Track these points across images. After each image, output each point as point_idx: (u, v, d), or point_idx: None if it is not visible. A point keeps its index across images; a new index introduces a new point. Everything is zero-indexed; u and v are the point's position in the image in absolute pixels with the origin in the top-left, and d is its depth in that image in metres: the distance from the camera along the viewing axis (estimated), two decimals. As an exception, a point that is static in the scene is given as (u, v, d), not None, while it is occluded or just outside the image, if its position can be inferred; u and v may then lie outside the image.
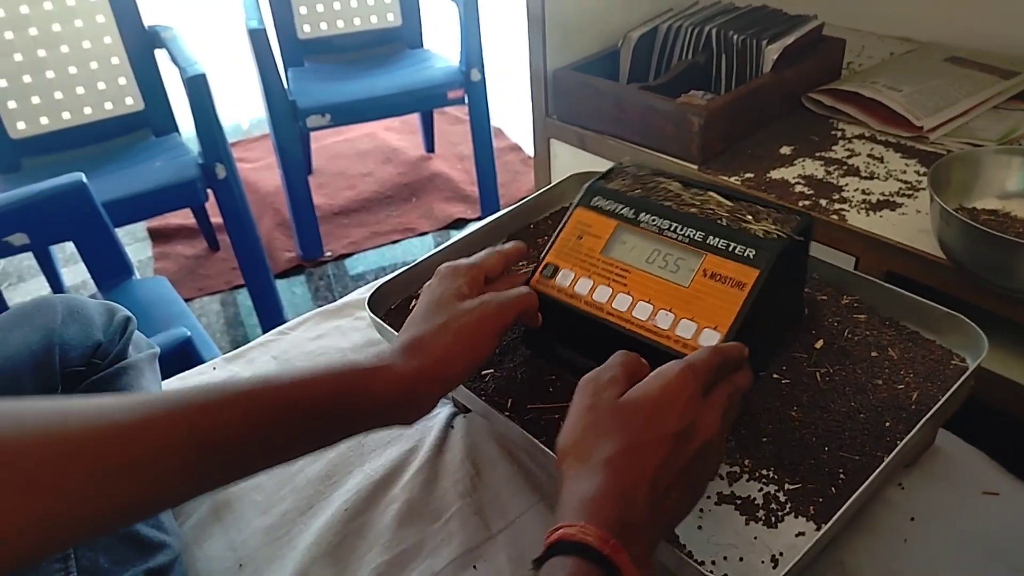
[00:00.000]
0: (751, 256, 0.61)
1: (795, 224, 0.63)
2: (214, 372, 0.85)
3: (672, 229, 0.64)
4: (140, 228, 2.37)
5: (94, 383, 0.63)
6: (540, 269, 0.66)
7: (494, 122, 2.29)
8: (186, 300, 2.02)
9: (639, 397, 0.47)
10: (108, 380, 0.64)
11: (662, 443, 0.45)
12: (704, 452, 0.47)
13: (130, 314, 0.68)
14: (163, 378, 0.83)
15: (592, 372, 0.51)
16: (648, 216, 0.65)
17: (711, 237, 0.63)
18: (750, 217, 0.65)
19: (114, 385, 0.64)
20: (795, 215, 0.64)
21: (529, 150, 1.66)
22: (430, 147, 2.68)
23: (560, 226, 0.68)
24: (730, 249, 0.61)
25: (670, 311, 0.61)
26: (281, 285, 2.09)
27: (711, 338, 0.58)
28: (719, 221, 0.64)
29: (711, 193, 0.68)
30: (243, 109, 2.99)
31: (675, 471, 0.45)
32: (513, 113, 2.77)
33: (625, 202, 0.67)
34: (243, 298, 2.06)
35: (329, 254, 2.22)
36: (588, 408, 0.48)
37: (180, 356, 0.86)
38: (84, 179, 1.27)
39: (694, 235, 0.63)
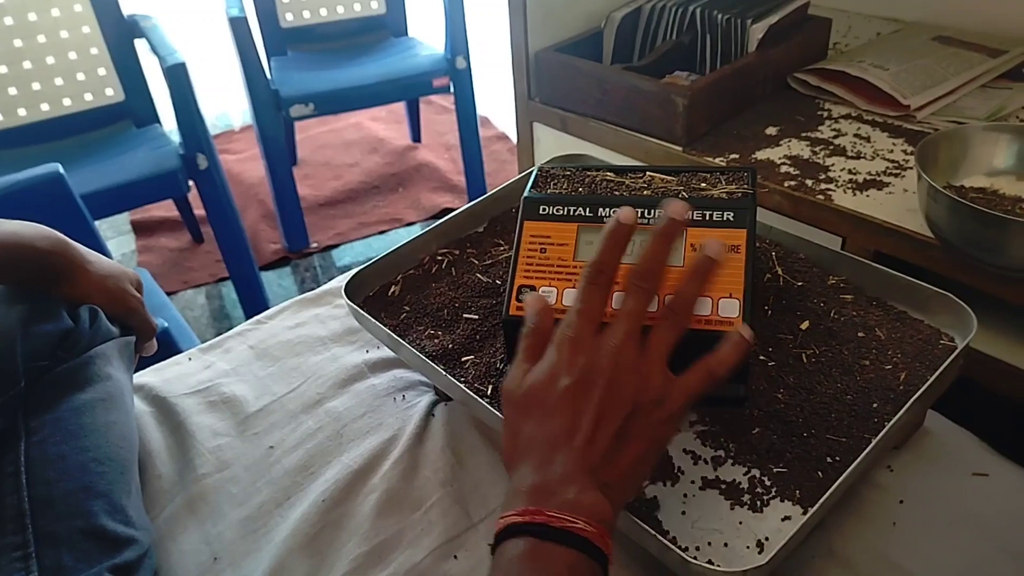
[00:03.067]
0: (731, 218, 0.60)
1: (746, 178, 0.65)
2: (189, 362, 0.83)
3: (640, 215, 0.63)
4: (123, 221, 2.35)
5: (59, 374, 0.61)
6: (514, 295, 0.62)
7: (480, 111, 2.27)
8: (170, 293, 2.00)
9: (531, 375, 0.49)
10: (76, 369, 0.62)
11: (561, 402, 0.46)
12: (623, 375, 0.47)
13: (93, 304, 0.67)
14: (139, 368, 0.81)
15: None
16: (608, 209, 0.64)
17: None
18: (704, 184, 0.65)
19: (82, 374, 0.62)
20: (741, 170, 0.66)
21: (515, 139, 1.64)
22: (416, 137, 2.66)
23: (515, 246, 0.64)
24: (708, 217, 0.61)
25: None
26: (267, 277, 2.07)
27: (731, 307, 0.57)
28: (680, 195, 0.64)
29: (649, 173, 0.68)
30: (233, 101, 2.96)
31: (593, 413, 0.45)
32: (499, 102, 2.75)
33: (576, 203, 0.65)
34: (228, 290, 2.04)
35: (315, 245, 2.19)
36: (506, 416, 0.50)
37: (158, 348, 0.84)
38: (61, 170, 1.25)
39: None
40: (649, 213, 0.63)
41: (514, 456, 0.47)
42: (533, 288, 0.62)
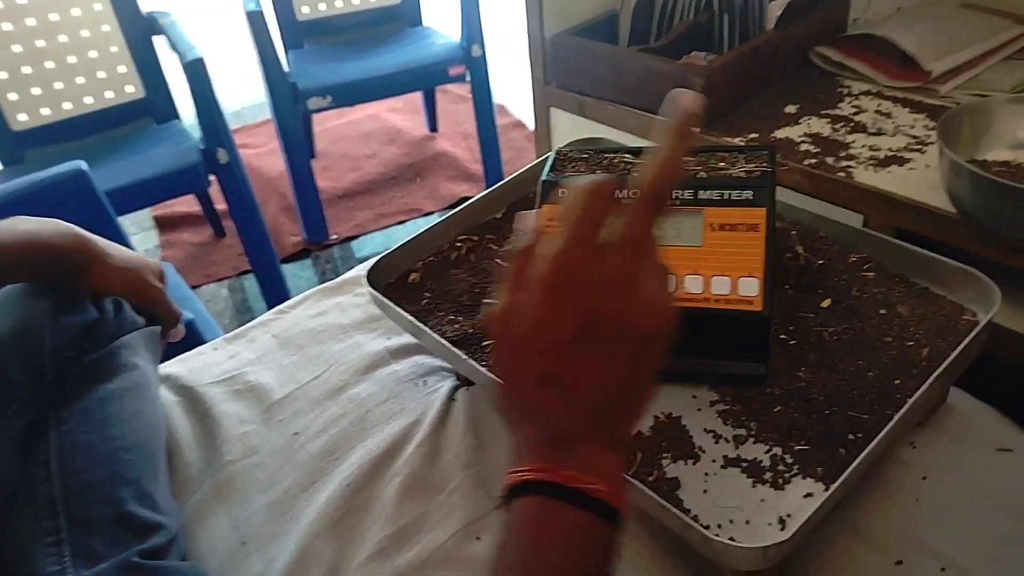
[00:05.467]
0: (750, 197, 0.60)
1: (766, 157, 0.65)
2: (215, 352, 0.85)
3: None
4: (146, 217, 2.37)
5: (86, 365, 0.62)
6: None
7: (497, 100, 2.26)
8: (194, 287, 2.02)
9: (528, 306, 0.40)
10: (102, 359, 0.63)
11: (562, 349, 0.39)
12: (634, 306, 0.39)
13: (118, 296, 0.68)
14: (167, 358, 0.83)
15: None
16: (626, 191, 0.63)
17: (701, 192, 0.62)
18: (723, 164, 0.65)
19: (109, 364, 0.63)
20: (760, 149, 0.66)
21: (533, 127, 1.63)
22: (433, 127, 2.66)
23: None
24: (727, 197, 0.61)
25: (696, 274, 0.59)
26: (288, 269, 2.08)
27: (750, 286, 0.57)
28: (699, 175, 0.64)
29: None
30: (251, 95, 2.98)
31: (598, 358, 0.39)
32: (516, 90, 2.73)
33: None
34: (250, 283, 2.06)
35: (335, 237, 2.21)
36: (500, 352, 0.42)
37: (184, 339, 0.85)
38: (84, 167, 1.26)
39: (683, 195, 0.62)
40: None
41: (507, 405, 0.42)
42: None
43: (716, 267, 0.59)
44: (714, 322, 0.58)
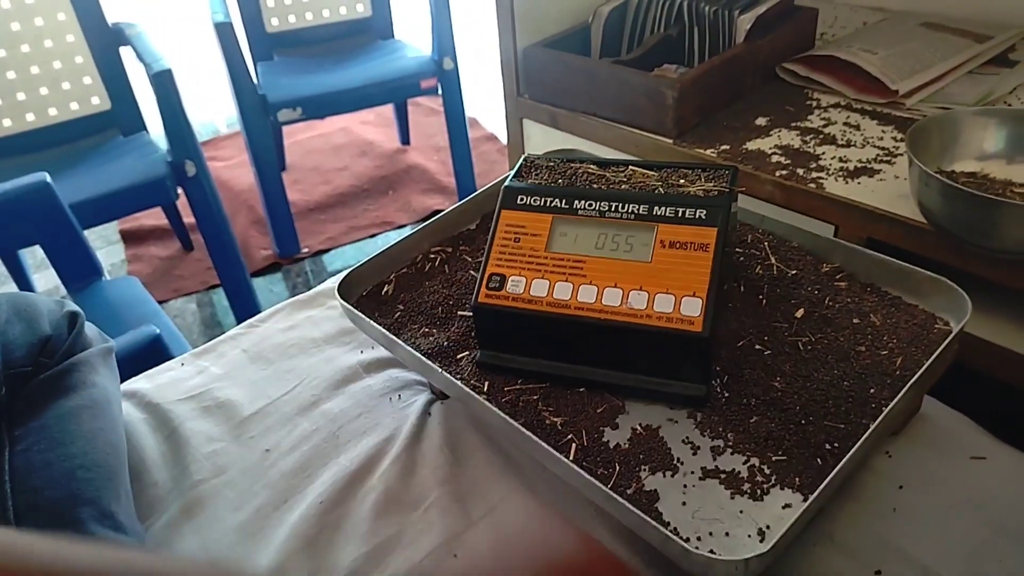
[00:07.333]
0: (703, 216, 0.60)
1: (726, 177, 0.65)
2: (182, 368, 0.83)
3: (613, 209, 0.63)
4: (112, 231, 2.33)
5: (41, 381, 0.60)
6: (484, 283, 0.63)
7: (469, 113, 2.26)
8: (161, 302, 1.99)
9: None
10: (57, 377, 0.61)
11: None
12: None
13: (77, 308, 0.66)
14: (132, 375, 0.81)
15: None
16: (583, 202, 0.64)
17: (656, 208, 0.62)
18: (683, 181, 0.65)
19: (65, 382, 0.61)
20: (722, 169, 0.66)
21: (504, 139, 1.63)
22: (405, 139, 2.65)
23: (490, 234, 0.65)
24: (680, 215, 0.61)
25: (641, 290, 0.59)
26: (258, 283, 2.06)
27: (693, 306, 0.57)
28: (656, 191, 0.64)
29: (631, 167, 0.68)
30: (220, 107, 2.95)
31: None
32: (488, 103, 2.74)
33: (553, 194, 0.65)
34: (219, 298, 2.03)
35: (306, 250, 2.18)
36: None
37: (151, 354, 0.84)
38: (48, 179, 1.24)
39: (638, 210, 0.62)
40: (623, 207, 0.63)
41: None
42: (504, 276, 0.63)
43: (662, 284, 0.59)
44: (654, 340, 0.58)
